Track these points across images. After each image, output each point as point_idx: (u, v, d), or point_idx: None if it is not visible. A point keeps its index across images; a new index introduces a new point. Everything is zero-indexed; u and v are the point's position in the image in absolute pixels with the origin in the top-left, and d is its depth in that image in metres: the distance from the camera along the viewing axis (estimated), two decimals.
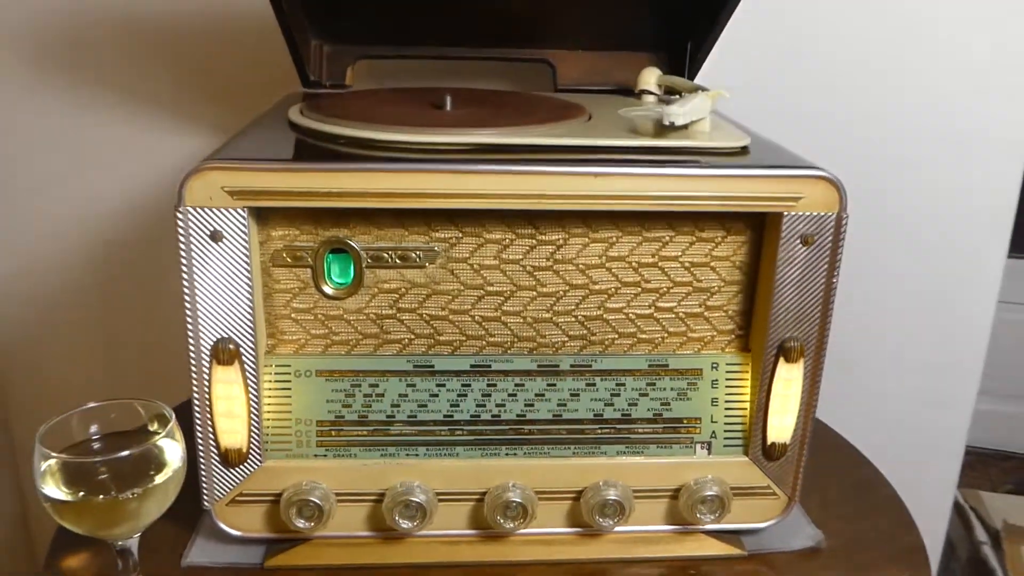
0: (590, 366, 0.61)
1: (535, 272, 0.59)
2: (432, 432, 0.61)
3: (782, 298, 0.58)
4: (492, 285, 0.59)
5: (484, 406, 0.61)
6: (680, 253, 0.59)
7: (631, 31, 0.80)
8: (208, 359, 0.56)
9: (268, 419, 0.59)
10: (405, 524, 0.60)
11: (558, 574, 0.62)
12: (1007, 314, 1.29)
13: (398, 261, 0.58)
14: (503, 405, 0.61)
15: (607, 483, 0.61)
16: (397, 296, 0.59)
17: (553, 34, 0.80)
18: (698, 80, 0.80)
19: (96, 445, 0.55)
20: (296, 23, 0.74)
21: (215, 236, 0.54)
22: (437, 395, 0.60)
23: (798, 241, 0.56)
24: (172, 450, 0.53)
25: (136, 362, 1.06)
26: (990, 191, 0.97)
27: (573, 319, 0.60)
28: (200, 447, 0.58)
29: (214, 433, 0.58)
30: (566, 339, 0.61)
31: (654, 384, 0.61)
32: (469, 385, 0.60)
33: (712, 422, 0.62)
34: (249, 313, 0.56)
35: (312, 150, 0.58)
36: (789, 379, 0.59)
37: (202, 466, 0.59)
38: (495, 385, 0.61)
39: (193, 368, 0.56)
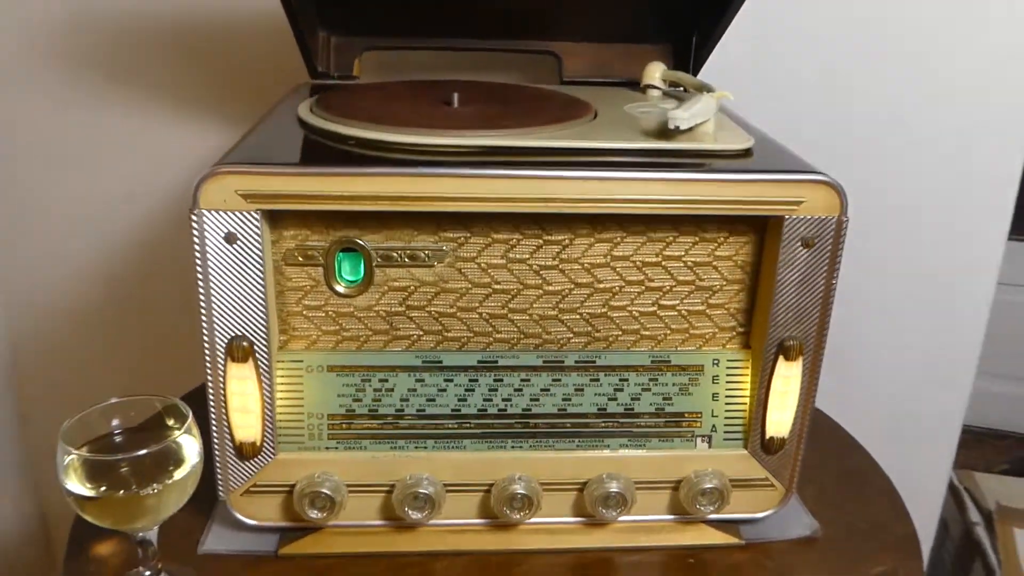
0: (594, 362, 0.63)
1: (541, 271, 0.60)
2: (440, 426, 0.62)
3: (782, 298, 0.59)
4: (499, 283, 0.60)
5: (491, 400, 0.62)
6: (683, 253, 0.61)
7: (637, 24, 0.81)
8: (223, 356, 0.58)
9: (281, 413, 0.61)
10: (414, 515, 0.62)
11: (562, 561, 0.64)
12: (1006, 295, 1.30)
13: (407, 260, 0.59)
14: (509, 400, 0.62)
15: (610, 476, 0.63)
16: (406, 294, 0.60)
17: (559, 26, 0.81)
18: (702, 73, 0.80)
19: (117, 439, 0.57)
20: (304, 15, 0.75)
21: (229, 238, 0.55)
22: (445, 390, 0.62)
23: (799, 244, 0.57)
24: (190, 446, 0.55)
25: (148, 357, 1.08)
26: (991, 173, 0.97)
27: (578, 316, 0.62)
28: (215, 441, 0.60)
29: (229, 427, 0.60)
30: (571, 335, 0.62)
31: (656, 379, 0.63)
32: (476, 380, 0.62)
33: (713, 416, 0.64)
34: (262, 311, 0.58)
35: (323, 152, 0.59)
36: (788, 376, 0.61)
37: (217, 459, 0.60)
38: (502, 380, 0.62)
39: (208, 365, 0.58)
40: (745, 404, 0.63)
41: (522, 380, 0.62)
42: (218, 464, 0.61)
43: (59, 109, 0.96)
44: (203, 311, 0.57)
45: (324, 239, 0.59)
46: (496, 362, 0.62)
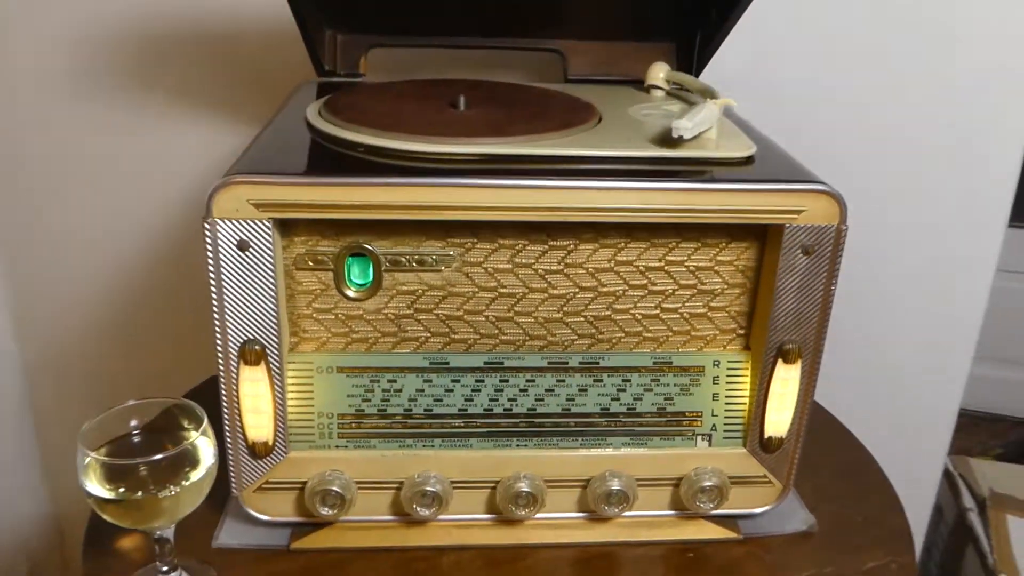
0: (598, 363, 0.64)
1: (546, 275, 0.62)
2: (447, 425, 0.64)
3: (782, 303, 0.60)
4: (505, 287, 0.62)
5: (497, 400, 0.64)
6: (686, 258, 0.62)
7: (641, 22, 0.81)
8: (236, 360, 0.59)
9: (292, 413, 0.63)
10: (422, 511, 0.63)
11: (566, 556, 0.66)
12: (1004, 282, 1.31)
13: (415, 265, 0.61)
14: (515, 400, 0.64)
15: (612, 473, 0.64)
16: (414, 297, 0.62)
17: (564, 24, 0.81)
18: (704, 74, 0.81)
19: (136, 439, 0.59)
20: (310, 14, 0.76)
21: (242, 246, 0.57)
22: (452, 390, 0.64)
23: (799, 251, 0.59)
24: (205, 448, 0.57)
25: (158, 354, 1.10)
26: (992, 161, 0.98)
27: (582, 319, 0.63)
28: (229, 440, 0.61)
29: (242, 428, 0.61)
30: (575, 337, 0.64)
31: (658, 380, 0.65)
32: (483, 381, 0.64)
33: (713, 416, 0.65)
34: (274, 316, 0.59)
35: (333, 161, 0.60)
36: (787, 379, 0.62)
37: (231, 457, 0.62)
38: (507, 381, 0.64)
39: (221, 368, 0.60)
40: (744, 404, 0.65)
41: (527, 381, 0.64)
42: (231, 462, 0.62)
43: (69, 117, 0.97)
44: (216, 316, 0.58)
45: (334, 244, 0.60)
46: (502, 363, 0.63)
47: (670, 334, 0.64)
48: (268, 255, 0.57)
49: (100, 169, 1.00)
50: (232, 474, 0.63)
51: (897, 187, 0.99)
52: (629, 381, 0.64)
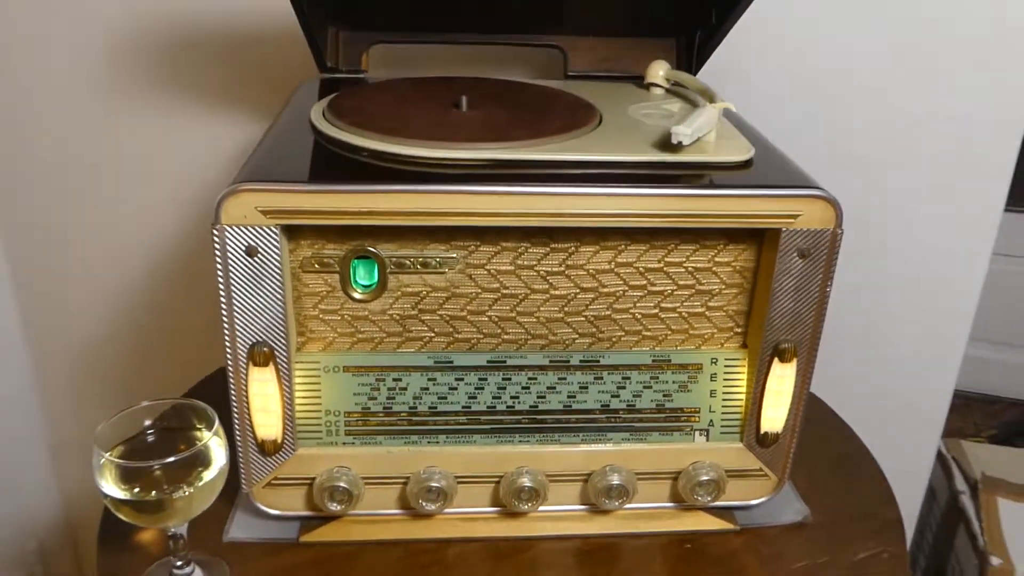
0: (598, 361, 0.66)
1: (548, 276, 0.63)
2: (452, 422, 0.66)
3: (778, 304, 0.62)
4: (508, 288, 0.63)
5: (500, 398, 0.65)
6: (684, 259, 0.63)
7: (641, 19, 0.82)
8: (245, 362, 0.61)
9: (300, 411, 0.64)
10: (428, 506, 0.65)
11: (568, 547, 0.68)
12: (998, 265, 1.32)
13: (420, 267, 0.62)
14: (517, 397, 0.66)
15: (612, 468, 0.66)
16: (419, 298, 0.63)
17: (565, 20, 0.82)
18: (702, 73, 0.82)
19: (150, 438, 0.60)
20: (313, 12, 0.76)
21: (250, 251, 0.58)
22: (456, 388, 0.65)
23: (795, 254, 0.60)
24: (217, 448, 0.58)
25: (163, 352, 1.11)
26: (990, 146, 0.98)
27: (583, 318, 0.64)
28: (239, 438, 0.63)
29: (251, 426, 0.63)
30: (576, 336, 0.65)
31: (657, 377, 0.66)
32: (486, 379, 0.65)
33: (710, 412, 0.67)
34: (281, 318, 0.60)
35: (339, 167, 0.61)
36: (782, 377, 0.64)
37: (240, 455, 0.64)
38: (510, 379, 0.65)
39: (231, 369, 0.61)
40: (741, 400, 0.67)
41: (529, 379, 0.65)
42: (241, 460, 0.64)
43: (75, 118, 0.98)
44: (225, 319, 0.60)
45: (340, 248, 0.61)
46: (504, 362, 0.65)
47: (669, 333, 0.66)
48: (276, 260, 0.58)
49: (106, 169, 1.01)
50: (242, 471, 0.65)
51: (895, 171, 0.99)
52: (629, 378, 0.66)
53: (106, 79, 0.96)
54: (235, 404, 0.62)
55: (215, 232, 0.57)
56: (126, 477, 0.56)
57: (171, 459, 0.55)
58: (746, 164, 0.62)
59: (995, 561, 1.10)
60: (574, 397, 0.66)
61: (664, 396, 0.66)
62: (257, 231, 0.57)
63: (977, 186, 1.01)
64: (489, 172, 0.59)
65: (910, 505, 1.23)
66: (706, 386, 0.66)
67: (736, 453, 0.67)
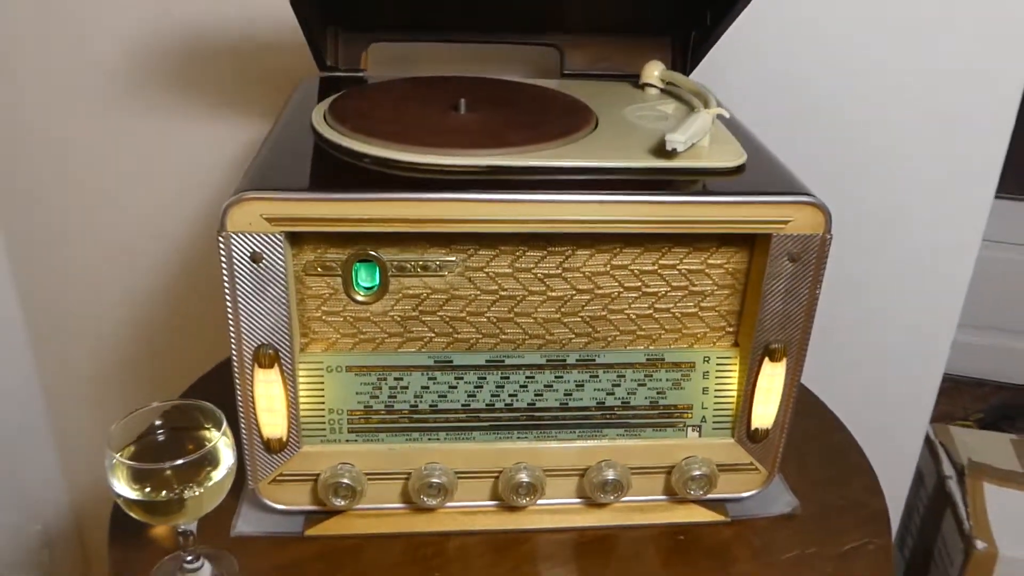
0: (594, 360, 0.67)
1: (545, 279, 0.65)
2: (452, 419, 0.68)
3: (769, 306, 0.64)
4: (506, 290, 0.65)
5: (498, 396, 0.67)
6: (678, 261, 0.65)
7: (637, 18, 0.83)
8: (250, 364, 0.62)
9: (304, 410, 0.66)
10: (429, 501, 0.67)
11: (564, 539, 0.70)
12: (988, 252, 1.34)
13: (420, 270, 0.64)
14: (515, 395, 0.67)
15: (607, 463, 0.68)
16: (419, 300, 0.65)
17: (561, 20, 0.83)
18: (696, 73, 0.83)
19: (159, 437, 0.62)
20: (312, 12, 0.77)
21: (255, 258, 0.59)
22: (456, 387, 0.67)
23: (785, 258, 0.62)
24: (225, 448, 0.60)
25: (168, 355, 1.13)
26: (980, 132, 0.99)
27: (579, 319, 0.66)
28: (245, 437, 0.65)
29: (257, 425, 0.65)
30: (572, 336, 0.67)
31: (651, 375, 0.68)
32: (484, 378, 0.67)
33: (703, 408, 0.69)
34: (286, 321, 0.62)
35: (341, 173, 0.62)
36: (772, 375, 0.66)
37: (247, 453, 0.66)
38: (508, 378, 0.67)
39: (236, 371, 0.63)
40: (733, 397, 0.69)
41: (527, 377, 0.67)
42: (247, 457, 0.66)
43: (79, 121, 0.98)
44: (231, 323, 0.61)
45: (342, 252, 0.63)
46: (503, 361, 0.67)
47: (663, 332, 0.67)
48: (280, 265, 0.60)
49: (107, 168, 1.01)
50: (248, 467, 0.67)
51: (885, 158, 1.00)
52: (623, 376, 0.68)
53: (106, 79, 0.96)
54: (241, 404, 0.64)
55: (221, 239, 0.59)
56: (137, 477, 0.58)
57: (181, 461, 0.57)
58: (739, 169, 0.64)
59: (980, 545, 1.13)
60: (570, 395, 0.68)
61: (658, 393, 0.68)
62: (262, 238, 0.59)
63: (967, 174, 1.02)
64: (488, 179, 0.61)
65: (898, 489, 1.25)
66: (698, 384, 0.68)
67: (727, 448, 0.69)
